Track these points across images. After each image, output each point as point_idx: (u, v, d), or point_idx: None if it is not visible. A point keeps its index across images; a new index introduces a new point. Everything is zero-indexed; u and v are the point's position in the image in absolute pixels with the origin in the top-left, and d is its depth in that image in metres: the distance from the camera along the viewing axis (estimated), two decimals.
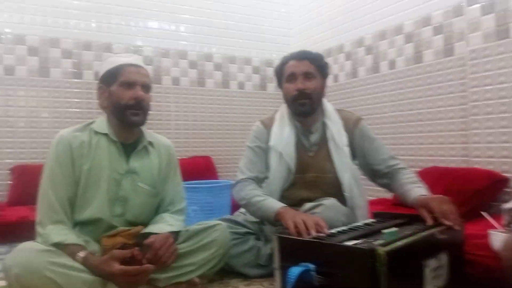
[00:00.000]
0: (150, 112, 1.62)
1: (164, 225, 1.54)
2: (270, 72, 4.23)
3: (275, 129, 1.89)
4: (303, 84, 1.78)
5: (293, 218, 1.52)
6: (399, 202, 2.68)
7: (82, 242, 1.42)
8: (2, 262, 1.30)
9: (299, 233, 1.44)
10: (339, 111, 1.94)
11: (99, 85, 1.59)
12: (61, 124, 3.29)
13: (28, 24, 3.33)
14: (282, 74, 1.86)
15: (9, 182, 3.17)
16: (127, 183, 1.56)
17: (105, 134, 1.56)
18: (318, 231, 1.44)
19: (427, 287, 1.21)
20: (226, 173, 3.94)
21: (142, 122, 1.59)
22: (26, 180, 2.97)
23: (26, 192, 2.83)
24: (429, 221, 1.46)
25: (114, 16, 3.61)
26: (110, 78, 1.55)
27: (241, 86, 4.13)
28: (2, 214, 2.64)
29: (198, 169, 3.58)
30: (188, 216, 2.44)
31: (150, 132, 1.72)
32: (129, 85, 1.53)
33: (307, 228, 1.44)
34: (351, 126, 1.88)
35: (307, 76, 1.80)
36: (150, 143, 1.66)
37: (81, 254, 1.35)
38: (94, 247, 1.47)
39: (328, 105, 1.92)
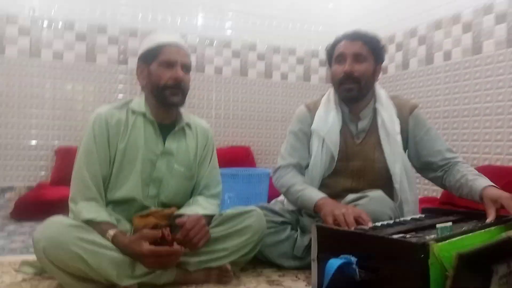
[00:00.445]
0: (188, 93, 1.56)
1: (198, 207, 1.48)
2: (315, 63, 4.11)
3: (319, 112, 1.76)
4: (351, 66, 1.64)
5: (332, 211, 1.41)
6: (449, 200, 2.51)
7: (113, 220, 1.38)
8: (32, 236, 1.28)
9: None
10: (393, 97, 1.79)
11: (138, 64, 1.54)
12: None
13: (78, 11, 3.39)
14: (332, 54, 1.74)
15: (52, 162, 3.26)
16: (163, 165, 1.51)
17: (143, 114, 1.51)
18: (359, 224, 1.33)
19: None
20: (265, 164, 3.87)
21: (181, 103, 1.53)
22: (69, 162, 2.98)
23: (69, 173, 2.86)
24: (492, 217, 1.30)
25: (160, 4, 3.62)
26: (149, 57, 1.50)
27: (284, 76, 4.03)
28: (44, 193, 2.70)
29: (237, 159, 3.52)
30: (223, 203, 2.39)
31: (188, 113, 1.66)
32: (169, 64, 1.47)
33: (346, 223, 1.33)
34: (406, 113, 1.72)
35: (357, 58, 1.65)
36: (188, 125, 1.60)
37: (111, 232, 1.31)
38: (125, 226, 1.43)
39: (381, 91, 1.77)
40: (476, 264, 1.01)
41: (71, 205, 1.40)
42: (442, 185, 1.71)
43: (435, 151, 1.68)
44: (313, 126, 1.75)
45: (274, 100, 3.99)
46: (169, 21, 3.65)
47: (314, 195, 1.57)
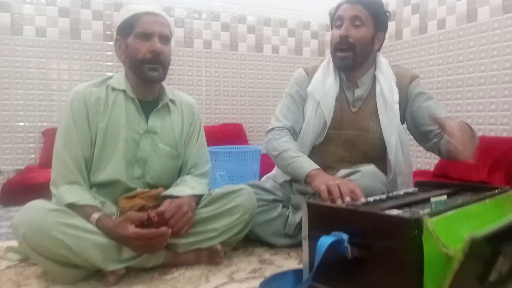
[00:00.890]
0: (170, 66, 1.48)
1: (186, 187, 1.44)
2: (307, 35, 4.01)
3: (317, 76, 1.70)
4: (346, 31, 1.57)
5: (326, 181, 1.37)
6: (442, 173, 2.49)
7: (98, 203, 1.33)
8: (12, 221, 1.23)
9: (332, 199, 1.32)
10: (394, 66, 1.73)
11: (116, 37, 1.46)
12: None
13: None
14: (333, 19, 1.67)
15: (41, 144, 3.19)
16: (146, 144, 1.45)
17: (123, 91, 1.45)
18: (353, 199, 1.30)
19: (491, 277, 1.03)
20: (258, 141, 3.82)
21: (161, 78, 1.45)
22: None
23: None
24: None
25: None
26: (126, 29, 1.42)
27: (275, 50, 3.93)
28: (32, 176, 2.65)
29: (228, 136, 3.47)
30: (215, 182, 2.35)
31: (172, 89, 1.59)
32: (146, 36, 1.39)
33: (341, 194, 1.30)
34: (406, 83, 1.67)
35: (354, 22, 1.57)
36: (172, 101, 1.54)
37: (95, 215, 1.26)
38: (111, 208, 1.39)
39: (383, 59, 1.71)
40: (484, 245, 0.98)
41: (52, 189, 1.34)
42: (439, 153, 1.63)
43: None
44: (308, 88, 1.69)
45: (266, 75, 3.90)
46: None
47: (307, 165, 1.53)
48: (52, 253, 1.18)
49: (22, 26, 3.18)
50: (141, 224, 1.26)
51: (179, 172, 1.57)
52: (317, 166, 1.53)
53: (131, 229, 1.21)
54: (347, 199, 1.27)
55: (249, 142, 3.72)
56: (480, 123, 2.60)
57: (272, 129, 1.72)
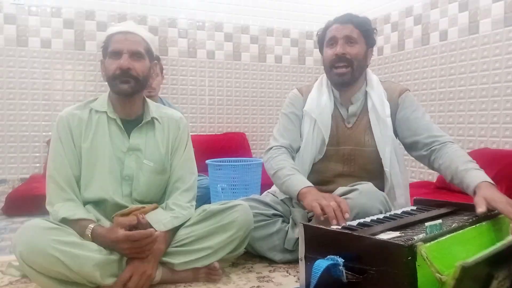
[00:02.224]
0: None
1: (167, 217, 1.43)
2: (310, 44, 4.03)
3: (312, 95, 1.77)
4: (343, 48, 1.64)
5: (318, 199, 1.40)
6: (444, 185, 2.48)
7: (92, 217, 1.38)
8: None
9: (326, 218, 1.34)
10: (384, 82, 1.79)
11: (101, 60, 1.53)
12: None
13: None
14: (324, 39, 1.73)
15: (45, 154, 3.22)
16: (131, 161, 1.48)
17: (105, 112, 1.49)
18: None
19: None
20: (260, 150, 3.83)
21: (133, 91, 1.46)
22: None
23: None
24: (481, 210, 1.26)
25: None
26: (104, 51, 1.50)
27: (278, 59, 3.95)
28: (36, 186, 2.68)
29: (231, 145, 3.48)
30: (216, 194, 2.37)
31: (160, 106, 1.63)
32: (116, 54, 1.44)
33: (336, 216, 1.32)
34: (395, 96, 1.72)
35: (349, 40, 1.65)
36: (156, 118, 1.56)
37: (91, 226, 1.31)
38: (106, 224, 1.42)
39: (373, 76, 1.77)
40: (477, 271, 0.98)
41: (48, 208, 1.40)
42: (429, 165, 1.66)
43: (421, 129, 1.66)
44: (305, 108, 1.76)
45: (269, 84, 3.92)
46: (159, 4, 3.55)
47: (300, 182, 1.55)
48: (50, 271, 1.21)
49: (28, 37, 3.22)
50: (132, 229, 1.30)
51: (166, 186, 1.58)
52: (309, 184, 1.54)
53: (121, 232, 1.26)
54: (341, 223, 1.28)
55: (252, 150, 3.74)
56: (482, 135, 2.59)
57: (270, 148, 1.76)
